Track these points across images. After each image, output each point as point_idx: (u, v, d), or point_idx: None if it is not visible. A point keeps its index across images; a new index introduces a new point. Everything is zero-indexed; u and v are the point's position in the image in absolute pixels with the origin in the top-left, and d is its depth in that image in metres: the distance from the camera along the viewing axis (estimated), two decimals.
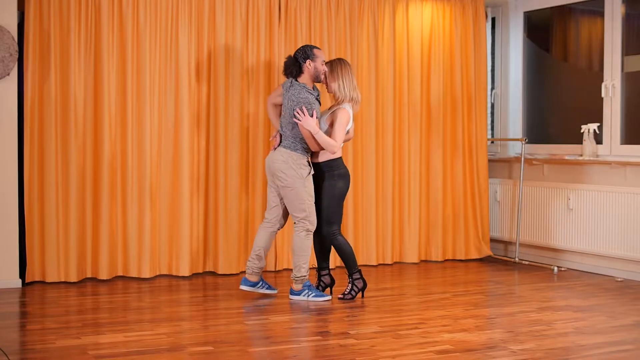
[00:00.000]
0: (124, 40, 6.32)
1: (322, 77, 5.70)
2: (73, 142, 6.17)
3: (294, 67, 5.63)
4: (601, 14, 6.99)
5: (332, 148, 5.57)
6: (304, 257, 5.63)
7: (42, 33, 6.10)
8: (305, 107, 5.50)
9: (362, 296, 5.82)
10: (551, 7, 7.56)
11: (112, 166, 6.31)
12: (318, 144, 5.55)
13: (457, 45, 7.54)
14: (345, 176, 5.74)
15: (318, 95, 5.71)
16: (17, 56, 5.95)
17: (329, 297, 5.73)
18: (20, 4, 6.11)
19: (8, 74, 5.95)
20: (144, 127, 6.38)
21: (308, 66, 5.62)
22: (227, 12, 6.63)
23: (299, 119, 5.49)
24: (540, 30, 7.84)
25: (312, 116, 5.51)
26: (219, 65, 6.59)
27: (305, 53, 5.63)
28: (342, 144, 5.69)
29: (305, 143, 5.61)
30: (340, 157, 5.75)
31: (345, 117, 5.64)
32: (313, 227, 5.63)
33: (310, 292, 5.68)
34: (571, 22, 7.57)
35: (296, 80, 5.65)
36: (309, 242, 5.63)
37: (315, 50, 5.66)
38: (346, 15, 7.10)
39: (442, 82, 7.49)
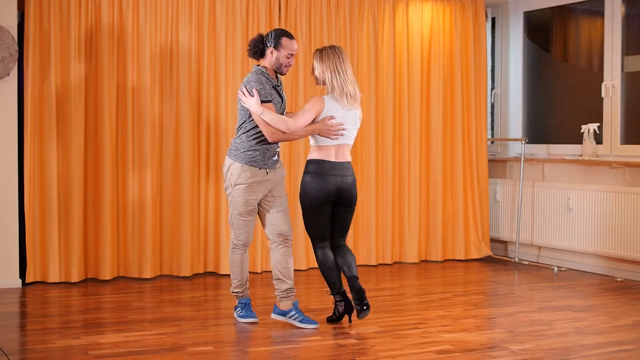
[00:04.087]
0: (124, 40, 6.32)
1: (285, 70, 4.93)
2: (73, 142, 6.17)
3: (256, 47, 4.93)
4: (601, 14, 6.99)
5: (284, 125, 4.75)
6: (232, 272, 5.09)
7: (42, 33, 6.10)
8: (246, 88, 4.81)
9: (350, 321, 5.00)
10: (551, 7, 7.56)
11: (112, 165, 6.30)
12: (271, 128, 4.77)
13: (457, 45, 7.54)
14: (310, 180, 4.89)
15: (277, 86, 4.94)
16: (17, 56, 5.96)
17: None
18: (20, 4, 6.11)
19: (8, 74, 5.95)
20: (144, 127, 6.38)
21: (270, 53, 4.90)
22: (227, 12, 6.63)
23: (243, 102, 4.81)
24: (540, 30, 7.84)
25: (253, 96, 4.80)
26: (220, 64, 6.60)
27: (273, 39, 4.88)
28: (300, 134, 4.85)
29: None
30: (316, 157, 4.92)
31: (309, 103, 4.86)
32: (236, 241, 5.03)
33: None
34: (571, 22, 7.56)
35: (257, 64, 4.96)
36: (233, 257, 5.04)
37: (284, 40, 4.87)
38: (346, 15, 7.10)
39: (442, 82, 7.49)
